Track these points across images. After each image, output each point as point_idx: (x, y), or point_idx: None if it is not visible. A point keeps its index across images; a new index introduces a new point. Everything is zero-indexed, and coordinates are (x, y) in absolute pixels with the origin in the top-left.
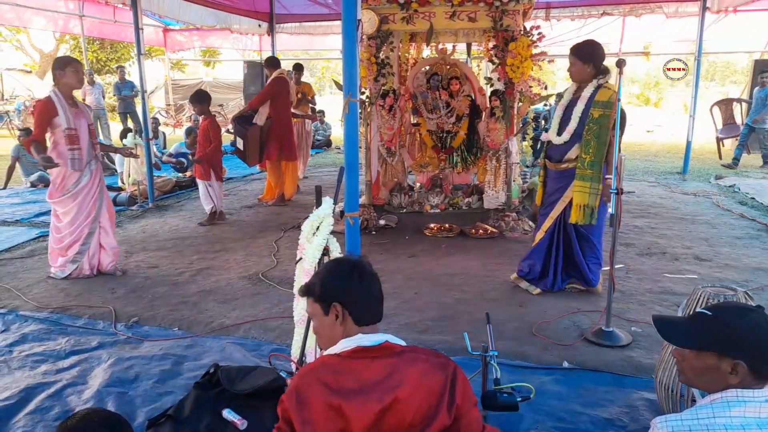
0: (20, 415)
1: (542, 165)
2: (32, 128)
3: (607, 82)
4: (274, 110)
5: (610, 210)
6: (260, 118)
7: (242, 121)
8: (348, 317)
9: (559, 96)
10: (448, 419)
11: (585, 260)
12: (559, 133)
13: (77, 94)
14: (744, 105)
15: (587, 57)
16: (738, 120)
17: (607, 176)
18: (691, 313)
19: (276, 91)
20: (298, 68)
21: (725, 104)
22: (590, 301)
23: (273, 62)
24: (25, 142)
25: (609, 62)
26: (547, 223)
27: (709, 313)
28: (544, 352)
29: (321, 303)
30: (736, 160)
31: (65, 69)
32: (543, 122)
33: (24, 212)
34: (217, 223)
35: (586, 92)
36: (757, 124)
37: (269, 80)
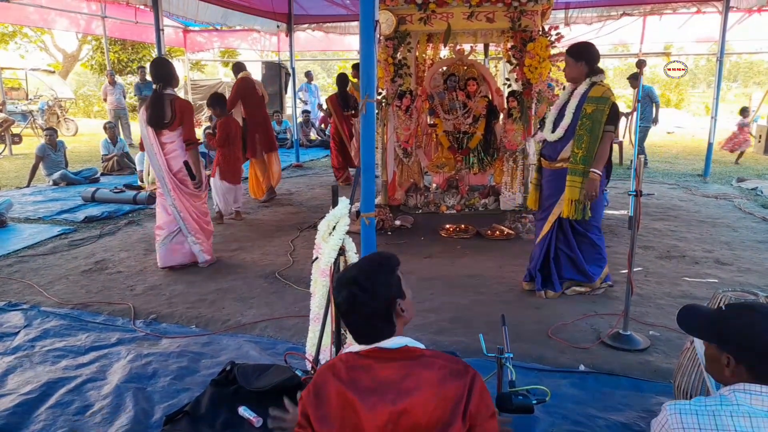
0: (41, 408)
1: (537, 166)
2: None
3: (601, 81)
4: (247, 110)
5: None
6: (238, 119)
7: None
8: None
9: None
10: (463, 428)
11: (584, 257)
12: (553, 131)
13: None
14: (630, 117)
15: (579, 56)
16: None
17: (592, 170)
18: None
19: (243, 91)
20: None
21: None
22: (607, 304)
23: (238, 67)
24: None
25: (632, 63)
26: (546, 228)
27: (723, 307)
28: (560, 355)
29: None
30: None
31: (176, 73)
32: None
33: (47, 210)
34: (222, 223)
35: (580, 89)
36: (646, 122)
37: (235, 82)
